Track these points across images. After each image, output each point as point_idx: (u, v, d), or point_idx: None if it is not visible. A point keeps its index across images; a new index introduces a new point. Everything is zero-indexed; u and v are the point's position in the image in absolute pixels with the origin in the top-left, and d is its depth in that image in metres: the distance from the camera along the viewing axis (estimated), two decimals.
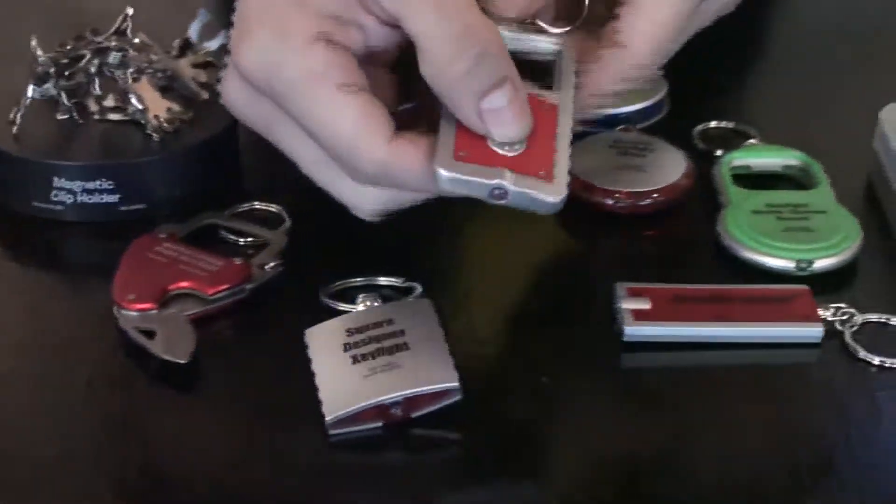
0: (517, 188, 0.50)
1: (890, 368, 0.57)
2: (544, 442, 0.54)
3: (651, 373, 0.58)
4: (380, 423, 0.53)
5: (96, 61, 0.66)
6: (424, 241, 0.64)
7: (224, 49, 0.68)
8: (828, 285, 0.61)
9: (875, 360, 0.57)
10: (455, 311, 0.59)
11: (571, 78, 0.54)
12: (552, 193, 0.51)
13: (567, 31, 0.55)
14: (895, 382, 0.57)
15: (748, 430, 0.55)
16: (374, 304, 0.58)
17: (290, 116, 0.52)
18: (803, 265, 0.62)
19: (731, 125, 0.73)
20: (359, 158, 0.51)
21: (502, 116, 0.51)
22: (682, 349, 0.58)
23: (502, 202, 0.51)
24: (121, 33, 0.67)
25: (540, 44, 0.54)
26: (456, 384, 0.53)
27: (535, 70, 0.54)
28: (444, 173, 0.50)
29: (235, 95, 0.54)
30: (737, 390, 0.57)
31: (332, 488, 0.52)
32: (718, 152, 0.70)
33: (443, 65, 0.50)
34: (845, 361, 0.58)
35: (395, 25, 0.52)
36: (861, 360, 0.57)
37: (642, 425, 0.55)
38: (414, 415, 0.53)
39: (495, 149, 0.51)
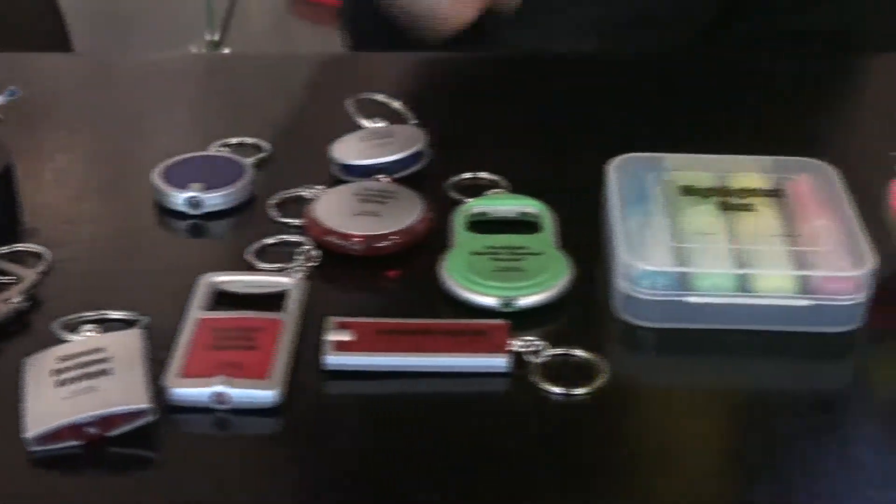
0: (236, 390, 0.60)
1: (571, 396, 0.62)
2: (252, 463, 0.59)
3: (351, 399, 0.63)
4: (79, 442, 0.58)
5: None
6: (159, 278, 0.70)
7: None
8: (533, 321, 0.66)
9: (557, 389, 0.62)
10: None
11: (297, 306, 0.66)
12: (267, 388, 0.60)
13: None
14: (577, 409, 0.62)
15: (436, 452, 0.60)
16: (91, 335, 0.62)
17: None
18: (507, 302, 0.66)
19: (485, 176, 0.78)
20: None
21: None
22: (384, 378, 0.63)
23: (228, 406, 0.60)
24: None
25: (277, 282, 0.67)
26: (147, 405, 0.58)
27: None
28: (171, 391, 0.60)
29: None
30: (429, 416, 0.62)
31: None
32: (469, 201, 0.75)
33: None
34: (531, 390, 0.62)
35: None
36: (544, 388, 0.62)
37: (339, 449, 0.60)
38: (112, 433, 0.58)
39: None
